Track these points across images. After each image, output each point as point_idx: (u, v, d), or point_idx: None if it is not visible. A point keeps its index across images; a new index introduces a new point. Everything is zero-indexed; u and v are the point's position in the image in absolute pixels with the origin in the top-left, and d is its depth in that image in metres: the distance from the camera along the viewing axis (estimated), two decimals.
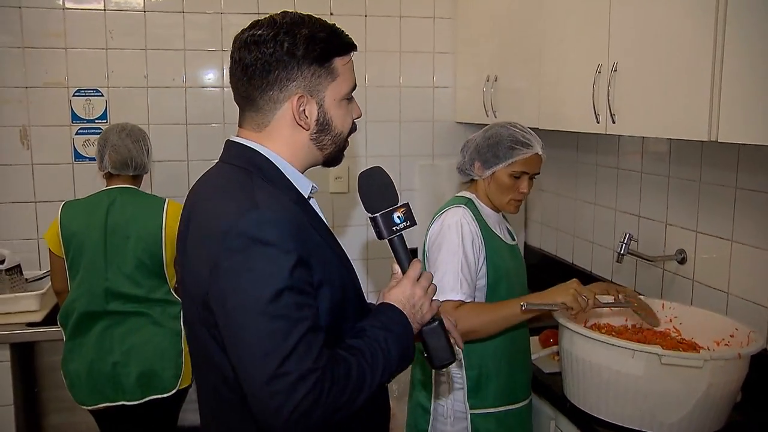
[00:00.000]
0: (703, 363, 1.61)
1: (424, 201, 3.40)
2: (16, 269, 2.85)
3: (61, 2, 3.01)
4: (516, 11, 2.74)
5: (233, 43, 1.31)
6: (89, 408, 2.38)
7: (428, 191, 3.42)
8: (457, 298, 1.88)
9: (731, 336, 1.88)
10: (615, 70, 2.00)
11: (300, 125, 1.31)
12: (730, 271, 2.15)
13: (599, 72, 2.07)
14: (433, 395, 2.01)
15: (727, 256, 2.15)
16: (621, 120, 2.01)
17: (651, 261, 2.43)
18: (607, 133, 2.08)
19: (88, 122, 3.08)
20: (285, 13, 1.32)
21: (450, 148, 3.50)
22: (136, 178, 2.46)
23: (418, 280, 1.37)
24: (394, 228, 1.36)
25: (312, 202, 1.39)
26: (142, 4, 3.09)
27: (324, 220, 1.37)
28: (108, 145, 2.39)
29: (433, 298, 1.39)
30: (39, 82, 3.04)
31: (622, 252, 2.33)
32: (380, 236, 1.37)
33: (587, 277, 2.96)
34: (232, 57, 1.31)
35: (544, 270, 3.37)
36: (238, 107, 1.35)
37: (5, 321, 2.65)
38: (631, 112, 1.97)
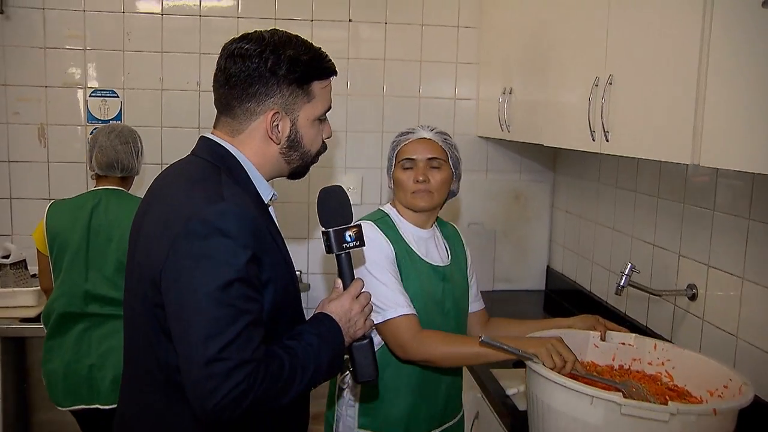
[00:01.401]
0: (669, 417, 1.41)
1: (443, 217, 3.25)
2: (21, 264, 2.89)
3: (81, 4, 3.06)
4: (529, 21, 2.58)
5: (221, 51, 1.39)
6: (65, 409, 2.36)
7: (447, 207, 3.27)
8: (410, 312, 1.76)
9: (725, 387, 1.66)
10: (610, 83, 1.83)
11: (271, 139, 1.39)
12: (740, 312, 1.92)
13: (596, 85, 1.90)
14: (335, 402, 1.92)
15: (738, 296, 1.93)
16: (614, 138, 1.83)
17: (657, 295, 2.21)
18: (601, 152, 1.90)
19: (103, 123, 3.10)
20: (275, 31, 1.39)
21: (471, 163, 3.34)
22: (125, 180, 2.44)
23: (357, 297, 1.46)
24: (343, 245, 1.45)
25: (270, 209, 1.45)
26: (160, 8, 3.10)
27: (279, 227, 1.45)
28: (96, 145, 2.38)
29: (372, 317, 1.51)
30: (58, 81, 3.09)
31: (621, 284, 2.13)
32: (329, 250, 1.46)
33: (602, 308, 2.75)
34: (218, 63, 1.39)
35: (564, 297, 3.17)
36: (215, 110, 1.43)
37: (1, 315, 2.68)
38: (622, 131, 1.79)
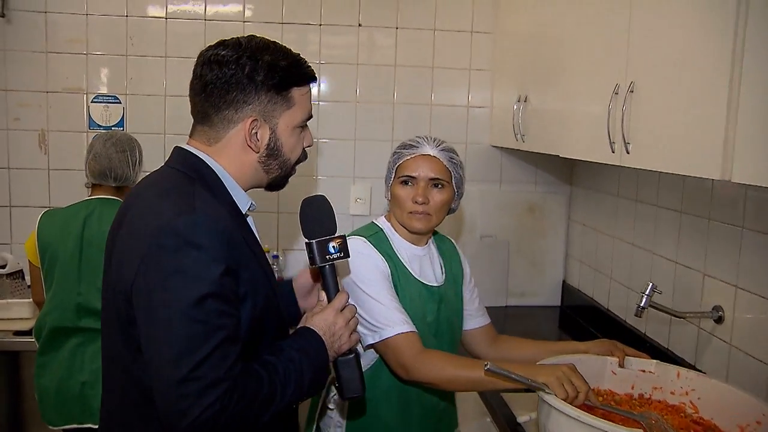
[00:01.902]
0: None
1: (453, 229, 3.13)
2: (18, 274, 2.80)
3: (84, 8, 2.98)
4: (545, 25, 2.46)
5: (197, 58, 1.35)
6: (56, 429, 2.26)
7: (458, 218, 3.15)
8: (408, 330, 1.65)
9: (758, 422, 1.52)
10: (631, 91, 1.70)
11: (250, 147, 1.33)
12: None
13: (616, 93, 1.77)
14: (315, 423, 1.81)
15: None
16: (635, 150, 1.70)
17: (680, 317, 2.07)
18: (622, 164, 1.77)
19: (105, 129, 3.02)
20: (252, 37, 1.35)
21: (484, 173, 3.22)
22: (120, 190, 2.34)
23: (342, 310, 1.41)
24: (327, 257, 1.40)
25: (249, 220, 1.40)
26: (164, 12, 3.02)
27: (258, 238, 1.39)
28: (91, 152, 2.29)
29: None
30: (59, 87, 3.02)
31: (642, 305, 1.99)
32: (312, 262, 1.41)
33: (619, 327, 2.61)
34: (194, 71, 1.34)
35: (580, 313, 3.03)
36: (192, 119, 1.37)
37: None
38: (645, 142, 1.66)
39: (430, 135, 1.83)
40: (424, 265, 1.81)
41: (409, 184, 1.75)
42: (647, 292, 1.99)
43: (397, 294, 1.71)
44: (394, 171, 1.79)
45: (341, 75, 3.12)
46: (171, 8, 3.03)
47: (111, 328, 1.31)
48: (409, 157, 1.76)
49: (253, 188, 1.41)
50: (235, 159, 1.34)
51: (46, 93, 3.01)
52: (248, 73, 1.29)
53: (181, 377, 1.12)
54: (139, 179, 2.35)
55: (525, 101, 2.63)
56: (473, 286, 1.95)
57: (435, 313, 1.78)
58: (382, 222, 1.83)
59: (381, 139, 3.18)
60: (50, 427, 2.29)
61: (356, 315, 1.44)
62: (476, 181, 3.18)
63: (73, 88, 3.03)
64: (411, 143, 1.79)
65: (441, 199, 1.75)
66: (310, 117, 1.42)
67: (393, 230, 1.81)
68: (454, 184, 1.78)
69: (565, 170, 3.24)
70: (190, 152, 1.34)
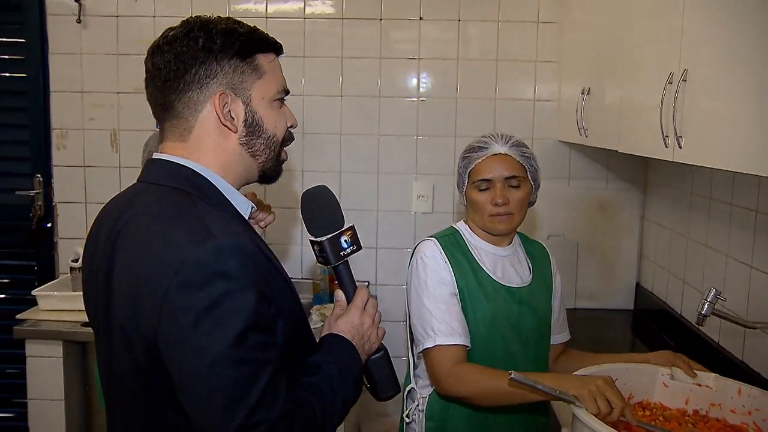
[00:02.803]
0: None
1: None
2: None
3: (152, 10, 3.07)
4: (613, 12, 2.30)
5: (147, 54, 1.21)
6: None
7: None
8: (449, 343, 1.59)
9: None
10: (684, 80, 1.55)
11: (226, 126, 1.18)
12: None
13: (670, 82, 1.63)
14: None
15: None
16: (688, 144, 1.55)
17: (751, 327, 1.88)
18: (674, 160, 1.62)
19: None
20: (198, 16, 1.22)
21: (551, 169, 3.07)
22: None
23: (365, 308, 1.32)
24: (341, 253, 1.30)
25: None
26: (227, 11, 3.06)
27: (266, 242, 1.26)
28: (146, 150, 2.34)
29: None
30: (130, 87, 3.12)
31: (703, 312, 1.82)
32: (327, 262, 1.30)
33: (689, 335, 2.42)
34: (145, 67, 1.21)
35: (654, 318, 2.84)
36: (157, 121, 1.24)
37: (64, 318, 2.71)
38: (698, 135, 1.51)
39: (497, 132, 1.77)
40: (506, 266, 1.75)
41: (486, 188, 1.69)
42: (709, 299, 1.81)
43: (473, 298, 1.66)
44: (466, 176, 1.74)
45: (403, 70, 3.06)
46: (233, 7, 3.07)
47: (123, 382, 1.16)
48: (480, 160, 1.71)
49: (245, 184, 1.27)
50: (216, 149, 1.19)
51: (117, 94, 3.13)
52: (203, 44, 1.14)
53: (236, 428, 1.00)
54: None
55: (588, 93, 2.49)
56: (559, 300, 1.88)
57: (517, 316, 1.71)
58: (460, 225, 1.80)
59: (443, 134, 3.10)
60: None
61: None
62: (543, 178, 2.91)
63: (142, 88, 3.10)
64: (479, 145, 1.73)
65: (520, 196, 1.70)
66: (287, 92, 1.27)
67: (471, 232, 1.77)
68: (530, 178, 1.74)
69: (639, 166, 3.04)
70: (174, 163, 1.18)
